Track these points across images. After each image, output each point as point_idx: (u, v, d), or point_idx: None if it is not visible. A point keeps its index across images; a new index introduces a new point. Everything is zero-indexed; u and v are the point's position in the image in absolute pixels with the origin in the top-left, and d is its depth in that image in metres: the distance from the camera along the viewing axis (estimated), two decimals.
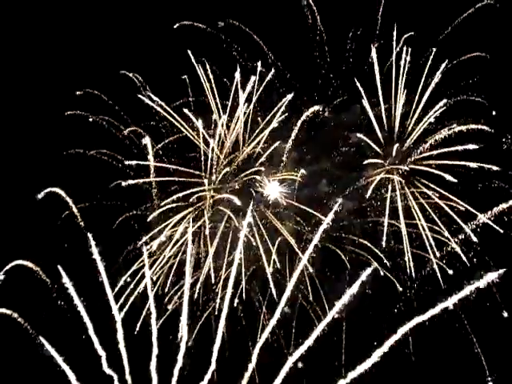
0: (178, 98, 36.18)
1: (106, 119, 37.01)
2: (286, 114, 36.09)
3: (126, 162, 35.70)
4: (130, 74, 36.68)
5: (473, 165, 32.95)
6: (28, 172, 35.89)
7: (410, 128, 37.00)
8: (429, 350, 31.63)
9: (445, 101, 34.76)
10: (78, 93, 36.72)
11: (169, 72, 36.46)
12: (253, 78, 35.99)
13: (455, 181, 32.20)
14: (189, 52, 35.98)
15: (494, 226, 31.10)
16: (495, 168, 32.54)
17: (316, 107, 35.66)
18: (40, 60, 37.63)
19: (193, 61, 36.15)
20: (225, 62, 36.57)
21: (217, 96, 36.91)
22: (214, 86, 36.75)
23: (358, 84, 35.92)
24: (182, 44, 35.90)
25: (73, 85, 36.92)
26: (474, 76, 35.48)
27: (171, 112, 36.09)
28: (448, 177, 32.40)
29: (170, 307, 35.43)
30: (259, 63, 36.24)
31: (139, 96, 35.68)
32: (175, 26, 36.25)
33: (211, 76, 36.55)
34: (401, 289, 33.74)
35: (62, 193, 33.61)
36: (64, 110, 36.48)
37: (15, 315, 30.41)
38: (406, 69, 36.44)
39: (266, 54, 36.91)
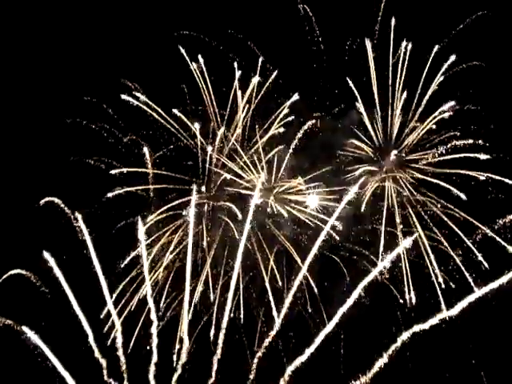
0: (177, 106, 36.03)
1: (105, 127, 36.92)
2: (291, 118, 36.37)
3: (112, 172, 35.62)
4: (130, 84, 36.59)
5: (472, 174, 33.24)
6: (26, 180, 35.71)
7: (407, 134, 37.19)
8: (427, 359, 31.75)
9: (451, 103, 34.75)
10: (85, 98, 36.54)
11: (168, 82, 36.44)
12: (255, 79, 36.32)
13: (465, 198, 32.28)
14: (181, 49, 36.20)
15: (497, 238, 31.33)
16: (495, 177, 32.79)
17: (314, 121, 35.95)
18: (40, 67, 37.50)
19: (186, 59, 36.32)
20: (223, 72, 36.63)
21: (214, 101, 37.07)
22: (211, 91, 36.92)
23: (352, 85, 36.21)
24: (180, 53, 36.07)
25: (72, 93, 36.87)
26: (471, 85, 35.52)
27: (168, 119, 36.22)
28: (459, 193, 32.52)
29: (167, 315, 35.39)
30: (260, 59, 36.65)
31: (126, 97, 35.77)
32: (175, 34, 36.24)
33: (208, 82, 36.77)
34: (400, 298, 33.86)
35: (60, 202, 33.50)
36: (63, 117, 36.36)
37: (14, 325, 30.32)
38: (403, 77, 36.64)
39: (265, 64, 36.98)
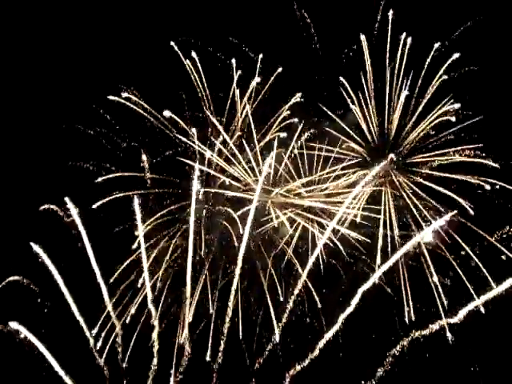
0: (175, 112, 36.03)
1: (103, 132, 36.83)
2: (294, 120, 36.41)
3: (98, 179, 35.40)
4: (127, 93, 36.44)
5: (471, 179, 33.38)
6: (23, 185, 35.57)
7: (404, 137, 37.27)
8: (426, 365, 31.86)
9: (457, 105, 34.68)
10: (82, 104, 36.33)
11: (167, 88, 36.44)
12: (254, 81, 36.35)
13: (472, 212, 32.16)
14: (174, 45, 36.23)
15: (498, 245, 31.39)
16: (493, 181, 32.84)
17: (312, 130, 36.07)
18: (37, 73, 37.38)
19: (181, 56, 36.41)
20: (221, 78, 36.66)
21: (211, 105, 37.09)
22: (208, 91, 36.97)
23: (347, 85, 36.27)
24: (179, 59, 36.10)
25: (70, 99, 36.85)
26: (472, 87, 35.45)
27: (166, 123, 36.18)
28: (466, 205, 32.38)
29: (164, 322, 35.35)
30: (258, 63, 36.77)
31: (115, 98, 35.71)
32: (172, 43, 36.27)
33: (204, 81, 36.82)
34: (396, 297, 33.83)
35: (59, 209, 33.42)
36: (61, 123, 36.22)
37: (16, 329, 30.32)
38: (401, 78, 36.70)
39: (263, 69, 36.97)
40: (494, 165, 33.12)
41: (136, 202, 31.18)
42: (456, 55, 35.09)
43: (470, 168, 33.67)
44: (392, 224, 34.89)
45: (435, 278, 31.77)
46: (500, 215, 32.53)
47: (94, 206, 34.21)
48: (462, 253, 31.99)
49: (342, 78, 36.58)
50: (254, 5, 37.77)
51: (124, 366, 32.84)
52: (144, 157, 35.83)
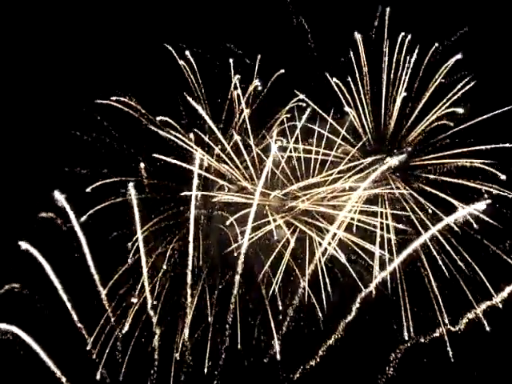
0: (172, 117, 35.96)
1: (101, 138, 36.71)
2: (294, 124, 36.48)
3: (91, 187, 35.08)
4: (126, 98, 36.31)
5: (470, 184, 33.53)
6: (19, 191, 35.41)
7: (400, 141, 37.35)
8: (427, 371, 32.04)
9: (460, 110, 34.67)
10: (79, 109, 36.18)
11: (165, 93, 36.36)
12: (252, 85, 36.33)
13: (476, 226, 31.97)
14: (169, 47, 36.31)
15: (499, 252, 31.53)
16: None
17: (310, 140, 36.13)
18: (34, 78, 37.37)
19: (176, 57, 36.63)
20: (219, 85, 36.63)
21: (208, 110, 37.04)
22: (204, 93, 37.02)
23: (342, 86, 36.33)
24: (177, 65, 36.11)
25: (67, 104, 36.78)
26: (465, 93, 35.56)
27: (163, 128, 36.09)
28: (470, 218, 31.79)
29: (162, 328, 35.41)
30: (258, 56, 36.88)
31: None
32: (169, 47, 36.25)
33: (200, 81, 36.78)
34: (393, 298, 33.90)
35: (56, 217, 33.35)
36: (57, 128, 36.06)
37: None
38: (397, 81, 36.75)
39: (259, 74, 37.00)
40: (491, 169, 33.28)
41: (132, 192, 31.21)
42: (458, 56, 35.13)
43: (468, 173, 33.81)
44: (389, 228, 34.99)
45: (433, 284, 31.93)
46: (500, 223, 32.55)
47: (91, 212, 34.19)
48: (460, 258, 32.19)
49: (338, 81, 36.59)
50: (250, 11, 37.92)
51: (123, 371, 32.95)
52: (142, 164, 35.83)
